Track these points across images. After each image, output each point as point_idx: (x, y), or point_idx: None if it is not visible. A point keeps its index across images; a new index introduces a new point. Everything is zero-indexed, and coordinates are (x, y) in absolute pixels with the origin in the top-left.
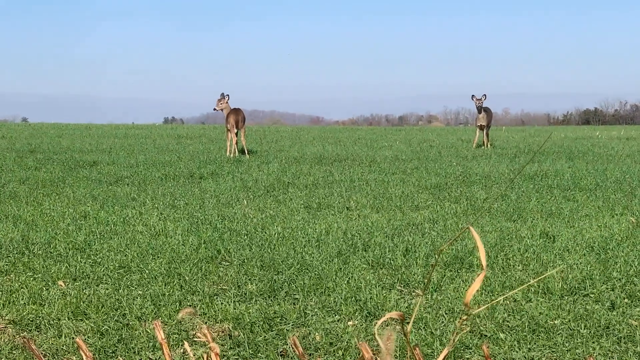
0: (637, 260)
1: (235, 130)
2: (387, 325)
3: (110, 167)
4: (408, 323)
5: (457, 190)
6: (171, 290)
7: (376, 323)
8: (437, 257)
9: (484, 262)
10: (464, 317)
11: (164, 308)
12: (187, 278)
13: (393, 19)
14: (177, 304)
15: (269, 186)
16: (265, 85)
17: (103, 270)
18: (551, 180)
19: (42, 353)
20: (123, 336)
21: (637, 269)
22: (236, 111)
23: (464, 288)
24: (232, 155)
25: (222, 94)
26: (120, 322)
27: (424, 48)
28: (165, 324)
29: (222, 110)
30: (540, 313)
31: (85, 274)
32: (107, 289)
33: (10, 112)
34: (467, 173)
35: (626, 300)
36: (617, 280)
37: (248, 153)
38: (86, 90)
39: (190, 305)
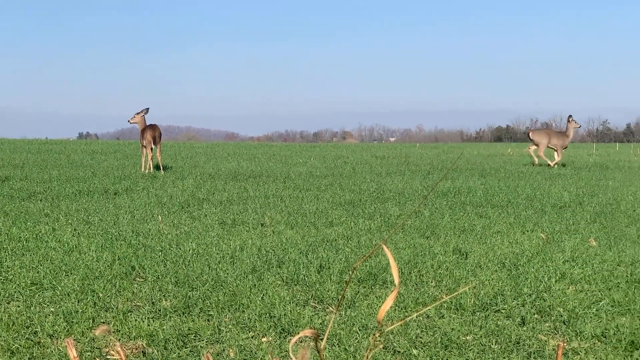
0: (547, 276)
1: (152, 147)
2: (302, 342)
3: (22, 183)
4: (322, 340)
5: (371, 207)
6: (84, 307)
7: (290, 340)
8: (350, 274)
9: (396, 279)
10: (378, 334)
11: (77, 325)
12: (101, 295)
13: (305, 37)
14: (91, 321)
15: (184, 202)
16: (180, 101)
17: (14, 287)
18: (464, 197)
19: None
20: (34, 354)
21: (547, 284)
22: (153, 127)
23: (377, 304)
24: (147, 171)
25: (145, 109)
26: (32, 340)
27: (337, 64)
28: (78, 342)
29: (136, 123)
30: (452, 329)
31: None
32: (19, 307)
33: None
34: (381, 189)
35: (536, 315)
36: (527, 296)
37: (163, 169)
38: None
39: (104, 322)
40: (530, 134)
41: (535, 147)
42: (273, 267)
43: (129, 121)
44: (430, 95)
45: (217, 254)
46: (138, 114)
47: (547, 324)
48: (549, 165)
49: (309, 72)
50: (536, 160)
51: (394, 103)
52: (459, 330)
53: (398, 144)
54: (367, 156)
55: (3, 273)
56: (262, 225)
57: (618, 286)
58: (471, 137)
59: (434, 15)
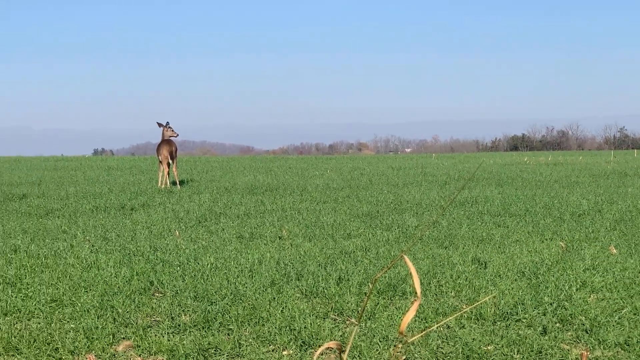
0: (568, 285)
1: (168, 162)
2: (322, 355)
3: (40, 200)
4: (344, 352)
5: (388, 218)
6: (104, 323)
7: (313, 353)
8: (371, 286)
9: (418, 291)
10: (399, 345)
11: (97, 341)
12: (120, 310)
13: (320, 49)
14: (111, 336)
15: (201, 216)
16: (195, 115)
17: (34, 304)
18: (481, 207)
19: None
20: None
21: (568, 293)
22: (168, 143)
23: (397, 315)
24: (163, 186)
25: (167, 123)
26: (53, 357)
27: (352, 76)
28: (99, 358)
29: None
30: (473, 339)
31: (16, 308)
32: (39, 323)
33: None
34: (399, 200)
35: (557, 324)
36: (548, 305)
37: (179, 184)
38: (14, 122)
39: (124, 338)
40: None
41: None
42: (292, 279)
43: (170, 135)
44: (445, 105)
45: (236, 267)
46: (169, 128)
47: (569, 333)
48: None
49: (323, 85)
50: None
51: (409, 114)
52: (480, 340)
53: (414, 155)
54: (384, 167)
55: (23, 290)
56: (280, 238)
57: None
58: (487, 146)
59: (447, 27)
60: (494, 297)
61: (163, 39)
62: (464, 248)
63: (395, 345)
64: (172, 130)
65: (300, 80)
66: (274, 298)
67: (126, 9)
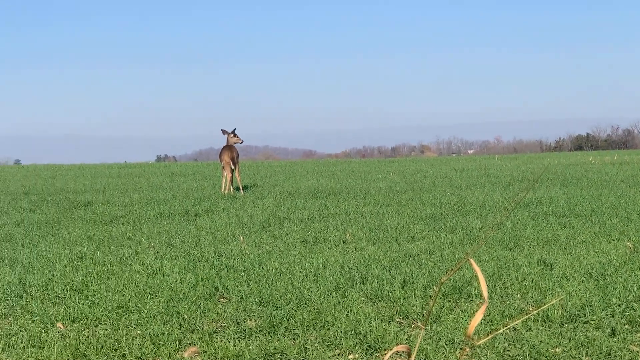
0: (636, 286)
1: (231, 167)
2: (390, 358)
3: (104, 207)
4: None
5: (452, 220)
6: (170, 329)
7: (379, 357)
8: (437, 289)
9: (485, 294)
10: (466, 349)
11: (163, 347)
12: (185, 316)
13: (379, 52)
14: (177, 342)
15: (265, 221)
16: (257, 120)
17: (101, 311)
18: (546, 207)
19: None
20: None
21: (637, 294)
22: (230, 148)
23: (462, 318)
24: (226, 191)
25: (233, 130)
26: None
27: (414, 78)
28: None
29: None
30: (540, 341)
31: (83, 315)
32: (106, 330)
33: (3, 154)
34: (462, 202)
35: (626, 326)
36: (616, 306)
37: (242, 189)
38: (77, 130)
39: (191, 344)
40: None
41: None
42: (357, 283)
43: (235, 142)
44: (507, 105)
45: (300, 272)
46: (233, 135)
47: (638, 335)
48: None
49: (384, 87)
50: None
51: (471, 115)
52: (547, 343)
53: (477, 156)
54: (447, 169)
55: (90, 297)
56: (343, 242)
57: None
58: (551, 146)
59: (508, 25)
60: (561, 299)
61: (226, 46)
62: (529, 249)
63: (462, 349)
64: (238, 137)
65: (360, 83)
66: (339, 302)
67: (190, 16)
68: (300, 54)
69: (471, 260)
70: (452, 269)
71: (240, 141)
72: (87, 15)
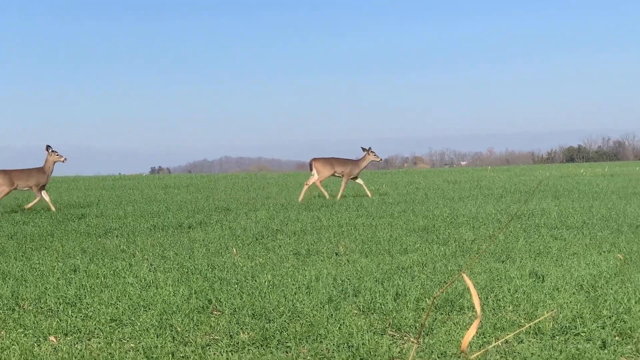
0: (627, 298)
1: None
2: None
3: (98, 219)
4: None
5: (445, 232)
6: (163, 342)
7: None
8: (430, 303)
9: (478, 309)
10: None
11: None
12: (179, 329)
13: (373, 68)
14: (170, 356)
15: (258, 234)
16: (250, 132)
17: (94, 324)
18: (538, 219)
19: None
20: None
21: (627, 306)
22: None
23: (455, 331)
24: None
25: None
26: None
27: (407, 89)
28: None
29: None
30: (532, 354)
31: (76, 328)
32: (99, 343)
33: None
34: (454, 214)
35: (617, 338)
36: (607, 318)
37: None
38: (71, 142)
39: (183, 357)
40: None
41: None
42: (349, 296)
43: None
44: (500, 117)
45: (293, 284)
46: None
47: (628, 347)
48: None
49: (377, 99)
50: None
51: (463, 127)
52: (539, 355)
53: (469, 168)
54: (439, 181)
55: (83, 310)
56: (336, 254)
57: None
58: (543, 158)
59: (499, 39)
60: (553, 312)
61: (218, 57)
62: (521, 262)
63: None
64: (376, 155)
65: (353, 95)
66: (332, 315)
67: (186, 27)
68: (294, 65)
69: (464, 275)
70: (445, 284)
71: (378, 159)
72: (80, 18)
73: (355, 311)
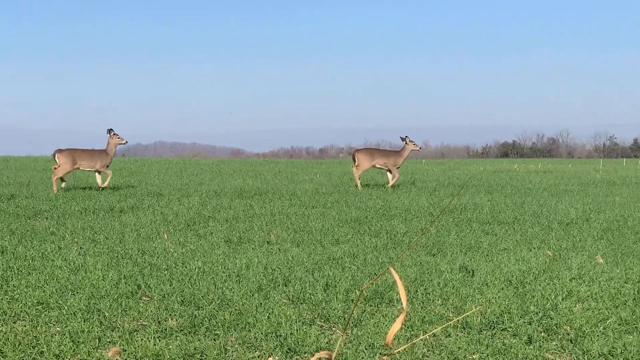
0: (554, 294)
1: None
2: None
3: (28, 201)
4: None
5: (377, 224)
6: (90, 327)
7: None
8: (358, 296)
9: (404, 304)
10: (384, 356)
11: (83, 345)
12: (106, 314)
13: (312, 56)
14: (97, 340)
15: (190, 220)
16: (186, 118)
17: (20, 307)
18: (470, 214)
19: None
20: None
21: (554, 302)
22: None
23: (384, 323)
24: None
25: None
26: None
27: (344, 81)
28: None
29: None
30: (459, 348)
31: (2, 310)
32: (25, 326)
33: None
34: (387, 206)
35: (543, 334)
36: (534, 314)
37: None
38: (3, 122)
39: (110, 342)
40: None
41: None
42: (279, 285)
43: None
44: (436, 111)
45: (223, 272)
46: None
47: (554, 343)
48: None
49: (315, 89)
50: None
51: (399, 119)
52: (465, 349)
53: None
54: (373, 172)
55: (9, 292)
56: (268, 243)
57: (625, 304)
58: (477, 152)
59: (440, 33)
60: (481, 305)
61: (156, 40)
62: (452, 256)
63: (380, 355)
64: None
65: (291, 84)
66: (261, 304)
67: (119, 11)
68: (230, 53)
69: (392, 270)
70: (374, 277)
71: (417, 148)
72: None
73: (284, 301)
